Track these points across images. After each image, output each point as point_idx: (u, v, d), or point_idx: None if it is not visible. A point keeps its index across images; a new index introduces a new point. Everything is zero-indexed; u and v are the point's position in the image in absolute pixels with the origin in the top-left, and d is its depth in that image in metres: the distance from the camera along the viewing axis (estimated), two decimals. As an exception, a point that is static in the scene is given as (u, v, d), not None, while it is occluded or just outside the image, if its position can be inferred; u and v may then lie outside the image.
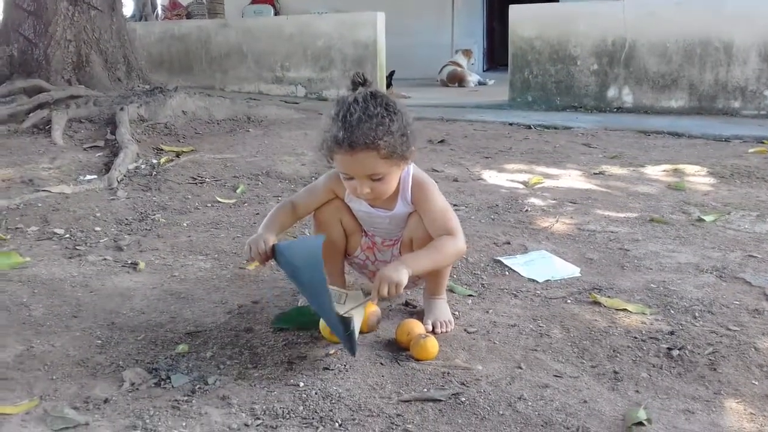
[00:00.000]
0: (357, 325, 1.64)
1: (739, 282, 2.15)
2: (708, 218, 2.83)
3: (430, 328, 1.79)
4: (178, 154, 4.04)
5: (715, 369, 1.60)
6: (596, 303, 1.99)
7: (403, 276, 1.61)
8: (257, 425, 1.37)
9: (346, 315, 1.57)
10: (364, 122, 1.59)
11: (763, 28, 5.68)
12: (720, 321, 1.85)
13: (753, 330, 1.79)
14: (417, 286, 2.04)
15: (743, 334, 1.77)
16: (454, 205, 3.06)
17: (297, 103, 6.69)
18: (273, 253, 1.72)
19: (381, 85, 7.24)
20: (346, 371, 1.58)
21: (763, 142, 4.53)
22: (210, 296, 2.09)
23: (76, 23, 5.16)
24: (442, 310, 1.88)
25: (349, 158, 1.63)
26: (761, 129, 5.01)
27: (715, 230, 2.69)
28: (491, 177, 3.72)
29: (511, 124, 5.59)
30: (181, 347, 1.71)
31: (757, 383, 1.55)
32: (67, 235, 2.70)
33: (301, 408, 1.43)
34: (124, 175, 3.56)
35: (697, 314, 1.90)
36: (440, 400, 1.46)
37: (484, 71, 11.51)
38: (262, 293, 2.10)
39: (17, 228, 2.77)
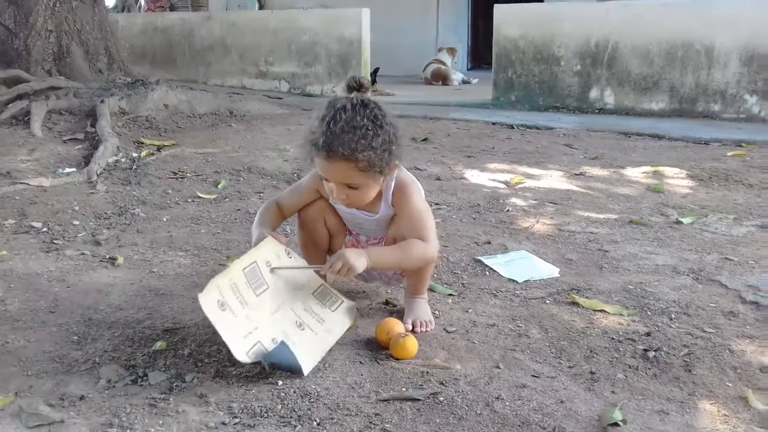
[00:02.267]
0: (338, 334, 1.67)
1: (715, 284, 2.17)
2: (686, 220, 2.86)
3: (410, 327, 1.79)
4: (159, 148, 4.01)
5: (690, 370, 1.62)
6: (575, 304, 2.01)
7: (360, 264, 1.65)
8: (235, 424, 1.37)
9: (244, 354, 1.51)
10: (347, 133, 1.58)
11: (744, 33, 5.74)
12: (696, 323, 1.88)
13: (728, 332, 1.82)
14: (399, 284, 2.04)
15: (718, 336, 1.79)
16: (436, 204, 3.07)
17: (280, 99, 6.66)
18: None
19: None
20: (325, 370, 1.58)
21: (741, 146, 4.58)
22: (189, 293, 2.07)
23: (58, 13, 5.09)
24: (423, 309, 1.88)
25: (326, 164, 1.64)
26: (740, 132, 5.07)
27: (692, 232, 2.73)
28: (473, 176, 3.73)
29: (494, 124, 5.61)
30: (159, 344, 1.70)
31: (731, 385, 1.57)
32: (45, 229, 2.66)
33: (279, 407, 1.43)
34: (104, 169, 3.52)
35: (673, 316, 1.92)
36: (419, 400, 1.46)
37: (468, 70, 11.53)
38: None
39: (-6, 221, 2.73)
